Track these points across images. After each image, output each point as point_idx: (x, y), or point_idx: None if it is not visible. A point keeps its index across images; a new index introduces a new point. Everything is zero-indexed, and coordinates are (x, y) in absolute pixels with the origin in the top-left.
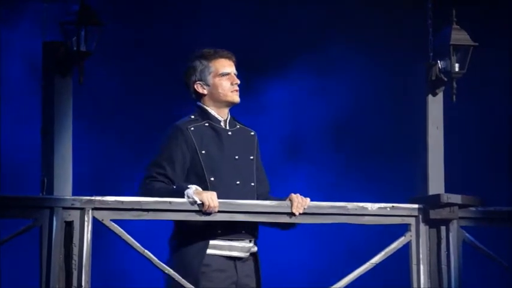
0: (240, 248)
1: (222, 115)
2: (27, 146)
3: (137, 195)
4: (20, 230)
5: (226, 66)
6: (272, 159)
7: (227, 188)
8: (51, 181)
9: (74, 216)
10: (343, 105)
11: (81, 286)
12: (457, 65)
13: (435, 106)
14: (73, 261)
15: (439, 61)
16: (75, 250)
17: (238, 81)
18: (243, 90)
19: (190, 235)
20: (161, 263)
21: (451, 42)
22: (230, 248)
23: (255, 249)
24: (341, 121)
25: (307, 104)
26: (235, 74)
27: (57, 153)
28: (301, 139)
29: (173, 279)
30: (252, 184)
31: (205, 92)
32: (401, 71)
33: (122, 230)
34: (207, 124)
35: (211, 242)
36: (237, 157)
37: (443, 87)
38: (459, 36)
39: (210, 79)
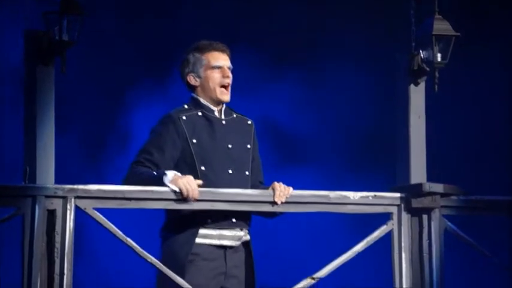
0: (231, 236)
1: (215, 105)
2: (9, 135)
3: (122, 181)
4: (2, 219)
5: (219, 59)
6: None
7: (218, 177)
8: (34, 170)
9: (56, 204)
10: (324, 94)
11: (64, 274)
12: (439, 55)
13: (417, 96)
14: (55, 250)
15: (421, 51)
16: (58, 238)
17: (230, 75)
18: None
19: (180, 224)
20: (144, 252)
21: (433, 33)
22: (220, 237)
23: (248, 238)
24: (322, 110)
25: (290, 93)
26: (229, 68)
27: (39, 142)
28: (283, 126)
29: (162, 273)
30: (247, 173)
31: (197, 84)
32: (383, 61)
33: (104, 218)
34: (200, 113)
35: (201, 231)
36: (230, 146)
37: (425, 77)
38: (441, 27)
39: (202, 71)
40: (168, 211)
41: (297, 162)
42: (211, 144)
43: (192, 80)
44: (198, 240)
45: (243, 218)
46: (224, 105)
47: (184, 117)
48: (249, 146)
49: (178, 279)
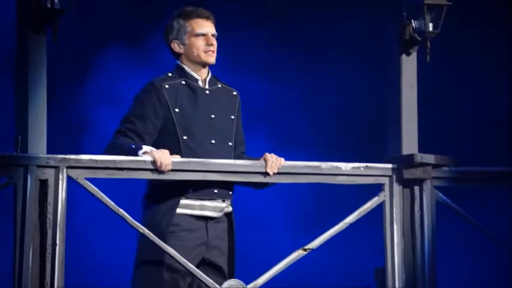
0: (212, 207)
1: (199, 74)
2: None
3: (103, 151)
4: None
5: (203, 26)
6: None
7: (201, 146)
8: (26, 139)
9: (48, 174)
10: (316, 64)
11: (56, 244)
12: (431, 25)
13: (409, 66)
14: (47, 220)
15: (412, 21)
16: (50, 209)
17: (215, 42)
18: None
19: (161, 194)
20: (135, 222)
21: (425, 2)
22: (201, 208)
23: (230, 209)
24: (313, 81)
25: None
26: (213, 35)
27: (31, 112)
28: (274, 100)
29: (144, 242)
30: (230, 144)
31: (181, 51)
32: (374, 31)
33: (96, 188)
34: (183, 82)
35: (182, 202)
36: (213, 116)
37: (417, 47)
38: None
39: (185, 38)
40: (149, 180)
41: (288, 135)
42: (193, 114)
43: (176, 47)
44: (179, 210)
45: (225, 189)
46: (210, 74)
47: (167, 86)
48: (232, 117)
49: (170, 250)
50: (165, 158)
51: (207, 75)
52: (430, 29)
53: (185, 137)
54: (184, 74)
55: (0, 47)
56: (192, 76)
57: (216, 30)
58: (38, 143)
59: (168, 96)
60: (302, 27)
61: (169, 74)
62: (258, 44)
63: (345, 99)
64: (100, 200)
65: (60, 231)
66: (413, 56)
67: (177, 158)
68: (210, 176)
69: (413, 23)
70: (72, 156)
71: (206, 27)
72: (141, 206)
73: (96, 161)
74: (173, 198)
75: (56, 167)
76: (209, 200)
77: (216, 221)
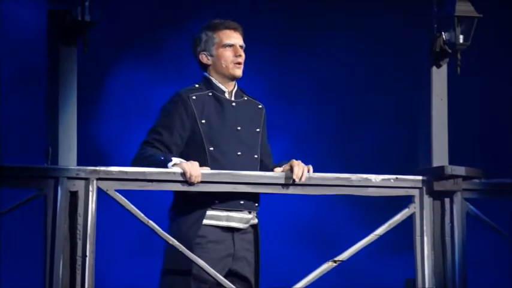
0: (239, 218)
1: (226, 86)
2: (31, 115)
3: (130, 162)
4: (24, 200)
5: (230, 37)
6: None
7: (227, 158)
8: (56, 151)
9: (78, 186)
10: (348, 75)
11: (86, 256)
12: (461, 37)
13: (439, 77)
14: (77, 232)
15: (443, 33)
16: (80, 220)
17: (242, 54)
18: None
19: (187, 206)
20: (165, 234)
21: (455, 14)
22: (228, 219)
23: (255, 221)
24: (345, 92)
25: (313, 77)
26: (240, 47)
27: (61, 123)
28: (298, 109)
29: (171, 253)
30: (256, 156)
31: (209, 62)
32: (405, 43)
33: (126, 200)
34: (210, 94)
35: (208, 213)
36: (239, 128)
37: (447, 59)
38: (464, 8)
39: (213, 50)
40: (176, 192)
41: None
42: (220, 125)
43: (204, 58)
44: (205, 221)
45: (252, 201)
46: (236, 87)
47: (194, 97)
48: (258, 130)
49: (199, 261)
50: (195, 169)
51: (234, 88)
52: (461, 41)
53: (211, 148)
54: (211, 85)
55: (29, 59)
56: (219, 88)
57: (245, 43)
58: (68, 155)
59: (195, 107)
60: (332, 41)
61: (196, 85)
62: (283, 60)
63: (375, 111)
64: (130, 211)
65: (90, 243)
66: (444, 68)
67: (206, 170)
68: (239, 187)
69: (444, 35)
70: (102, 168)
71: (234, 38)
72: (168, 218)
73: (126, 172)
74: (199, 209)
75: (86, 179)
76: (236, 211)
77: (242, 232)
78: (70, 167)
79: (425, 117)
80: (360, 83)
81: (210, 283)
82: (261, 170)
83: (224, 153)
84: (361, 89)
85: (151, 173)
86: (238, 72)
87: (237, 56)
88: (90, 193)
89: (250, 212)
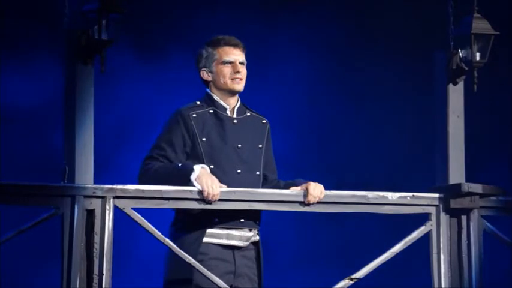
0: (239, 237)
1: (228, 102)
2: (49, 134)
3: (137, 178)
4: (41, 219)
5: (230, 54)
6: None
7: (227, 176)
8: (73, 169)
9: (95, 204)
10: (364, 91)
11: (103, 274)
12: (478, 54)
13: (456, 95)
14: (94, 250)
15: (460, 50)
16: (97, 238)
17: (242, 70)
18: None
19: (188, 223)
20: (182, 252)
21: (472, 31)
22: (228, 237)
23: (257, 238)
24: (359, 109)
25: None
26: (241, 63)
27: (78, 142)
28: (317, 125)
29: (173, 269)
30: (257, 173)
31: (209, 78)
32: (422, 60)
33: (142, 218)
34: (211, 111)
35: (209, 231)
36: (239, 145)
37: (464, 76)
38: (480, 25)
39: (213, 66)
40: (177, 209)
41: (335, 161)
42: (220, 143)
43: (204, 75)
44: (205, 239)
45: (252, 219)
46: (239, 103)
47: (194, 115)
48: (260, 146)
49: (214, 278)
50: (215, 188)
51: (236, 104)
52: (478, 58)
53: (212, 166)
54: (212, 102)
55: (49, 78)
56: (220, 105)
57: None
58: (85, 173)
59: (195, 125)
60: (351, 60)
61: (198, 102)
62: (305, 77)
63: (392, 127)
64: (147, 230)
65: (106, 261)
66: (461, 85)
67: (223, 188)
68: (255, 205)
69: (461, 53)
70: (119, 186)
71: (234, 55)
72: (168, 234)
73: (142, 190)
74: (200, 227)
75: (103, 197)
76: (236, 229)
77: (243, 249)
78: (87, 186)
79: (442, 134)
80: (376, 99)
81: None
82: (264, 185)
83: (224, 171)
84: (377, 105)
85: (167, 191)
86: (238, 86)
87: (235, 72)
88: (107, 211)
89: (251, 230)
